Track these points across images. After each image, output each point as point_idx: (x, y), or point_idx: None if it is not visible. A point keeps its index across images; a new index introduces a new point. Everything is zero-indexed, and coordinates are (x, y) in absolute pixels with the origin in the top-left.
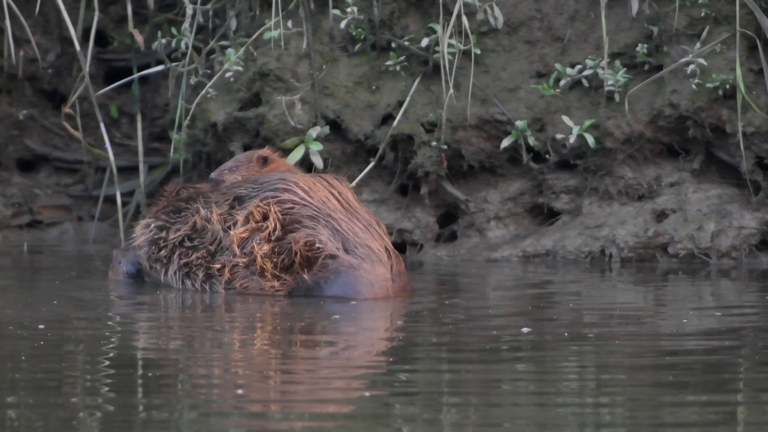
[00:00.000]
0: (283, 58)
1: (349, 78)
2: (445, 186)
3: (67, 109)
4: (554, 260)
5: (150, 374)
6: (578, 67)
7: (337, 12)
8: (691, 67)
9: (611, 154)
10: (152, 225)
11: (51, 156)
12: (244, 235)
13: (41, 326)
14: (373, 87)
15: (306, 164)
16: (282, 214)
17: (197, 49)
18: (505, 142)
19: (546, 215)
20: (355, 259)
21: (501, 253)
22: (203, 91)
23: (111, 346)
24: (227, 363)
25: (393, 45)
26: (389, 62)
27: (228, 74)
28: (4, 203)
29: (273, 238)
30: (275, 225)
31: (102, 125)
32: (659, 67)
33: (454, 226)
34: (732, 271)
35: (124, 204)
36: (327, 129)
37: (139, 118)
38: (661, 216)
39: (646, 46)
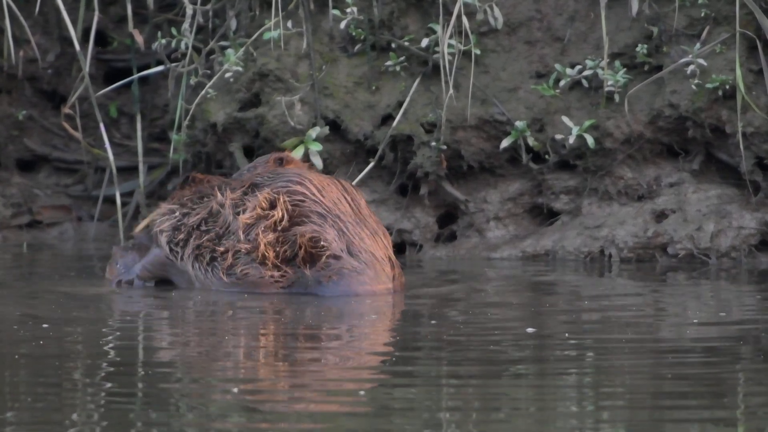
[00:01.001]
0: (282, 58)
1: (348, 78)
2: (444, 186)
3: (66, 110)
4: (554, 260)
5: (151, 372)
6: (578, 67)
7: (336, 12)
8: (691, 67)
9: (611, 154)
10: (177, 211)
11: (51, 156)
12: (249, 221)
13: (45, 325)
14: (373, 87)
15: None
16: (291, 205)
17: (197, 50)
18: (505, 143)
19: (545, 215)
20: (358, 263)
21: (500, 253)
22: (203, 92)
23: (111, 345)
24: (227, 362)
25: (393, 45)
26: (389, 62)
27: (228, 74)
28: (4, 203)
29: (279, 228)
30: (282, 215)
31: (102, 125)
32: (659, 68)
33: (454, 226)
34: (732, 271)
35: (123, 204)
36: (327, 129)
37: (138, 118)
38: (660, 216)
39: (645, 46)
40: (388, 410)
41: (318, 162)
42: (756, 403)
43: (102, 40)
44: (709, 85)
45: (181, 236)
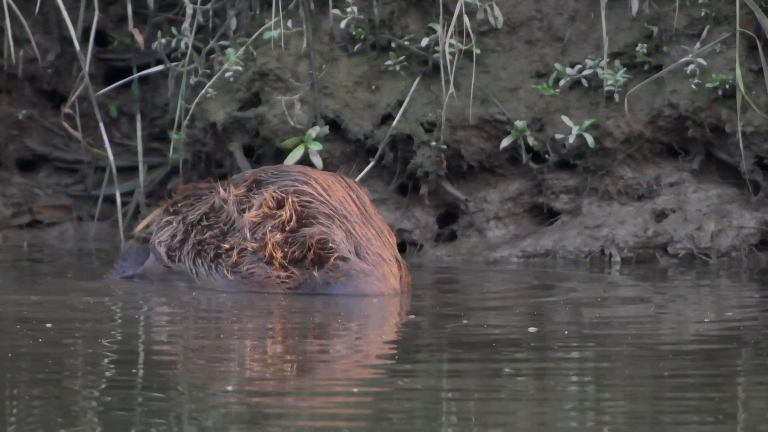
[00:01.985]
0: (282, 58)
1: (348, 78)
2: (444, 186)
3: (66, 109)
4: (554, 260)
5: (151, 372)
6: (578, 67)
7: (337, 12)
8: (691, 67)
9: (611, 154)
10: (174, 221)
11: (51, 156)
12: (255, 219)
13: (48, 325)
14: (373, 87)
15: (306, 164)
16: (299, 206)
17: (197, 49)
18: (505, 142)
19: (545, 215)
20: (366, 265)
21: (501, 253)
22: (203, 91)
23: (111, 344)
24: (229, 360)
25: (393, 45)
26: (389, 62)
27: (228, 74)
28: (4, 203)
29: (287, 228)
30: (290, 215)
31: (101, 125)
32: (659, 67)
33: (454, 226)
34: (732, 270)
35: (123, 204)
36: (326, 129)
37: (138, 118)
38: (660, 216)
39: (645, 46)
40: (387, 412)
41: (318, 162)
42: (756, 402)
43: (102, 39)
44: (709, 85)
45: (179, 236)
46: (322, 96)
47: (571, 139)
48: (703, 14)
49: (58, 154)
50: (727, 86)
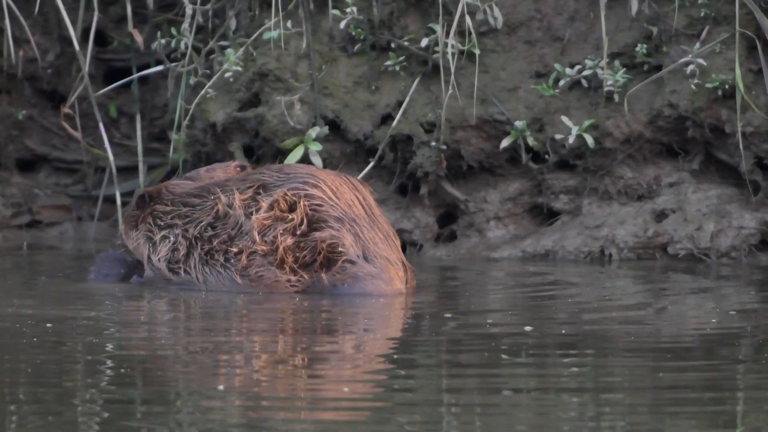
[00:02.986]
0: (282, 58)
1: (348, 78)
2: (444, 186)
3: (66, 109)
4: (554, 260)
5: (152, 371)
6: (578, 67)
7: (336, 12)
8: (691, 67)
9: (611, 154)
10: (170, 234)
11: (50, 156)
12: (266, 222)
13: (49, 325)
14: (373, 87)
15: (305, 164)
16: (310, 210)
17: (197, 49)
18: (505, 142)
19: (545, 215)
20: (374, 268)
21: (500, 253)
22: (202, 92)
23: (112, 344)
24: (229, 362)
25: (392, 45)
26: (389, 62)
27: (227, 74)
28: (3, 203)
29: (298, 232)
30: (302, 219)
31: (101, 125)
32: (659, 67)
33: (454, 226)
34: (731, 271)
35: (123, 204)
36: (326, 129)
37: (138, 118)
38: (660, 216)
39: (645, 46)
40: (386, 413)
41: (318, 162)
42: (756, 402)
43: (102, 39)
44: (708, 85)
45: (182, 250)
46: (321, 96)
47: (571, 140)
48: (702, 14)
49: (57, 154)
50: (727, 86)
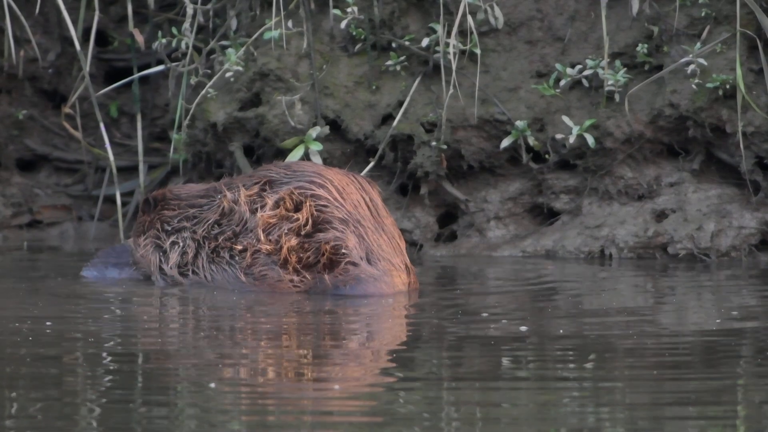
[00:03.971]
0: (283, 58)
1: (349, 78)
2: (444, 186)
3: (67, 109)
4: (554, 260)
5: (151, 371)
6: (578, 67)
7: (337, 12)
8: (691, 67)
9: (611, 154)
10: (179, 239)
11: (51, 156)
12: (272, 220)
13: (48, 323)
14: (373, 87)
15: None
16: (316, 210)
17: (197, 49)
18: (505, 142)
19: (546, 215)
20: (376, 270)
21: (501, 252)
22: (203, 91)
23: (112, 344)
24: (230, 362)
25: (393, 45)
26: (389, 62)
27: (228, 74)
28: (4, 203)
29: (303, 233)
30: (307, 219)
31: (102, 125)
32: (659, 67)
33: (454, 226)
34: (731, 271)
35: (123, 204)
36: (327, 129)
37: (139, 118)
38: (660, 216)
39: (646, 46)
40: (385, 414)
41: (318, 162)
42: (756, 403)
43: (102, 39)
44: (709, 85)
45: (191, 253)
46: (322, 96)
47: (572, 139)
48: (703, 14)
49: (58, 154)
50: (728, 86)
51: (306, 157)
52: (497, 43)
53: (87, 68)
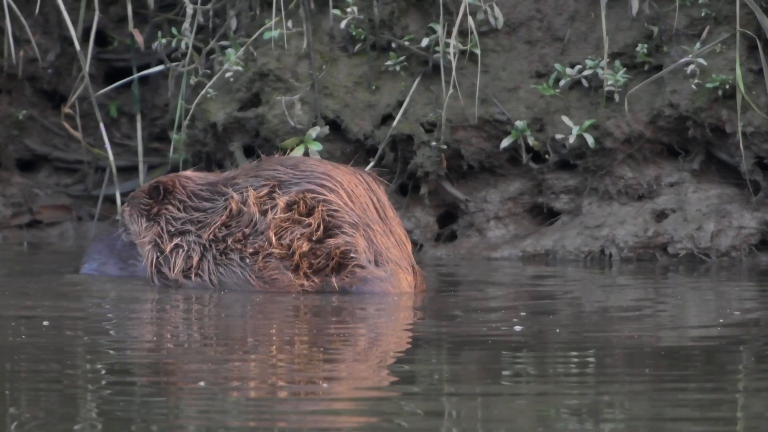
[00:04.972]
0: (283, 58)
1: (348, 78)
2: (444, 186)
3: (66, 109)
4: (554, 260)
5: (151, 370)
6: (578, 67)
7: (337, 12)
8: (691, 67)
9: (611, 154)
10: (183, 242)
11: (51, 156)
12: (284, 224)
13: (45, 323)
14: (373, 87)
15: None
16: (327, 215)
17: (197, 49)
18: (505, 142)
19: (546, 215)
20: (383, 272)
21: (501, 252)
22: (203, 91)
23: (111, 343)
24: (230, 362)
25: (393, 45)
26: (389, 62)
27: (228, 74)
28: (4, 203)
29: (314, 238)
30: (318, 225)
31: (102, 125)
32: (659, 67)
33: (454, 226)
34: (732, 270)
35: (123, 204)
36: (327, 129)
37: (138, 118)
38: (660, 216)
39: (646, 46)
40: (384, 415)
41: None
42: (757, 403)
43: (102, 39)
44: (709, 85)
45: (196, 257)
46: (322, 96)
47: (572, 139)
48: (703, 14)
49: (58, 154)
50: (728, 86)
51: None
52: (497, 43)
53: (87, 68)
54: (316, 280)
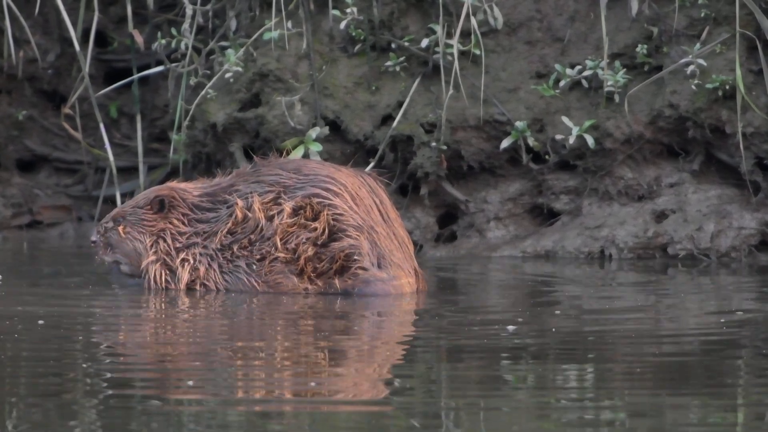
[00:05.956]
0: (282, 58)
1: (348, 78)
2: (444, 186)
3: (66, 110)
4: (554, 260)
5: (150, 370)
6: (578, 67)
7: (336, 12)
8: (691, 67)
9: (611, 154)
10: (189, 254)
11: (51, 156)
12: (291, 229)
13: (41, 322)
14: (373, 87)
15: None
16: (332, 220)
17: (197, 50)
18: (505, 143)
19: (546, 216)
20: (386, 275)
21: (501, 253)
22: (203, 92)
23: (111, 343)
24: (230, 361)
25: (393, 45)
26: (389, 63)
27: (228, 75)
28: (4, 203)
29: (319, 242)
30: (324, 229)
31: (102, 126)
32: (659, 68)
33: (454, 226)
34: (731, 271)
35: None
36: (326, 129)
37: (138, 118)
38: (660, 216)
39: (645, 46)
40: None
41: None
42: (757, 403)
43: (102, 40)
44: (709, 86)
45: (203, 268)
46: (322, 97)
47: (572, 140)
48: (702, 15)
49: (58, 154)
50: (727, 87)
51: (306, 157)
52: (497, 44)
53: (86, 69)
54: (319, 284)
